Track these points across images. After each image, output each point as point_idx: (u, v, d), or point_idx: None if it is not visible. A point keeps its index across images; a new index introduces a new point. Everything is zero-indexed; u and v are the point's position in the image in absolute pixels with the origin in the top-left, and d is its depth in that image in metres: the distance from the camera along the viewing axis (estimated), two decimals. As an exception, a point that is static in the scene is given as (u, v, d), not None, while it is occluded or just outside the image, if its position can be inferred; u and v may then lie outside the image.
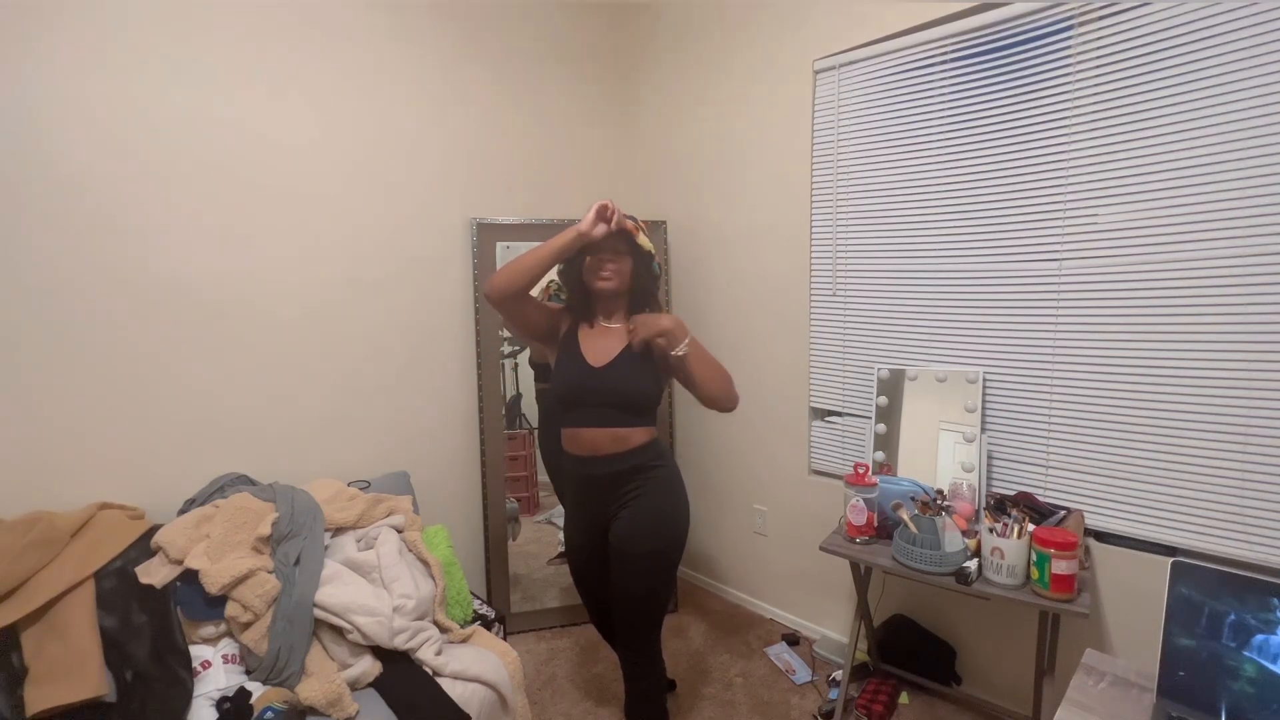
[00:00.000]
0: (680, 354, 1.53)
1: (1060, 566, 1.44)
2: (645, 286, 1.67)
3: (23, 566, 1.42)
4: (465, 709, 1.50)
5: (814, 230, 2.22)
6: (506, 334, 2.44)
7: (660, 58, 2.69)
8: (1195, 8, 1.44)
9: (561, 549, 2.49)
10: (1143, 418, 1.60)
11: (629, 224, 1.56)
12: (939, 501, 1.70)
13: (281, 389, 2.04)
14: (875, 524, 1.78)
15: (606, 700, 2.04)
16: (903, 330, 2.03)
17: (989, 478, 1.85)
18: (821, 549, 1.81)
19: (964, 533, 1.66)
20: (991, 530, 1.55)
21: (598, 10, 2.73)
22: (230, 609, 1.52)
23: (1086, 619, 1.50)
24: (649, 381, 1.58)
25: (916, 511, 1.67)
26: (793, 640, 2.34)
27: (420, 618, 1.64)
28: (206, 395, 1.90)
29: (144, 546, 1.60)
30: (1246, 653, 1.04)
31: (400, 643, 1.56)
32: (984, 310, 1.85)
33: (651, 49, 2.72)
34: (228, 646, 1.54)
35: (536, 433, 2.52)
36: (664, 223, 2.62)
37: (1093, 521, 1.68)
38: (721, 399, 1.57)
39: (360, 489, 1.94)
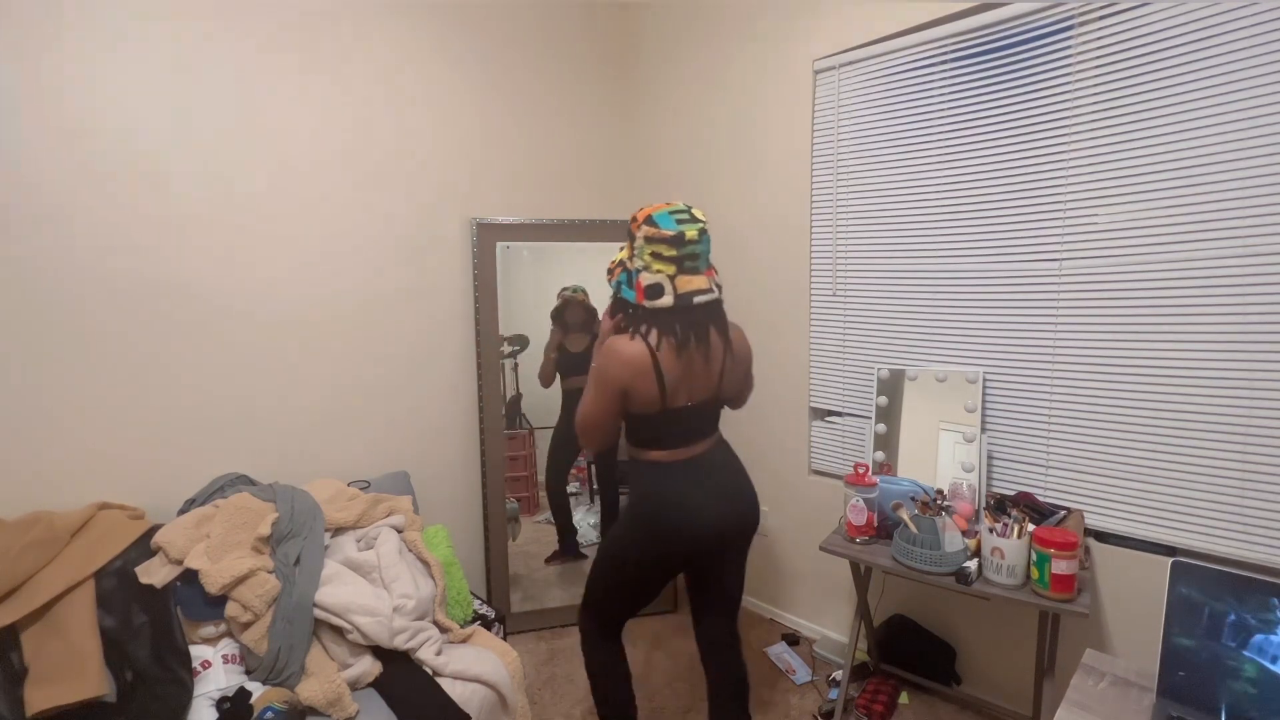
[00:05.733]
0: None
1: (1060, 566, 1.44)
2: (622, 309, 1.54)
3: (22, 566, 1.42)
4: (465, 709, 1.50)
5: (814, 230, 2.22)
6: (506, 334, 2.44)
7: (661, 57, 2.68)
8: (1195, 8, 1.44)
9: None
10: (1143, 418, 1.60)
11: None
12: (939, 501, 1.70)
13: (281, 389, 2.04)
14: (875, 524, 1.78)
15: (606, 700, 2.03)
16: (903, 330, 2.03)
17: (989, 478, 1.85)
18: (821, 549, 1.81)
19: (964, 533, 1.66)
20: (991, 530, 1.55)
21: (598, 10, 2.72)
22: (230, 609, 1.52)
23: (1086, 619, 1.50)
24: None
25: (916, 511, 1.67)
26: (793, 640, 2.34)
27: (420, 618, 1.64)
28: (207, 395, 1.89)
29: (144, 546, 1.60)
30: (1246, 653, 1.04)
31: (400, 643, 1.56)
32: (984, 310, 1.85)
33: (652, 49, 2.72)
34: (228, 646, 1.54)
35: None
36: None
37: (1093, 521, 1.68)
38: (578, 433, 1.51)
39: (360, 489, 1.94)
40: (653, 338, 1.39)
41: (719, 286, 1.48)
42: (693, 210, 1.44)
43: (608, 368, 1.40)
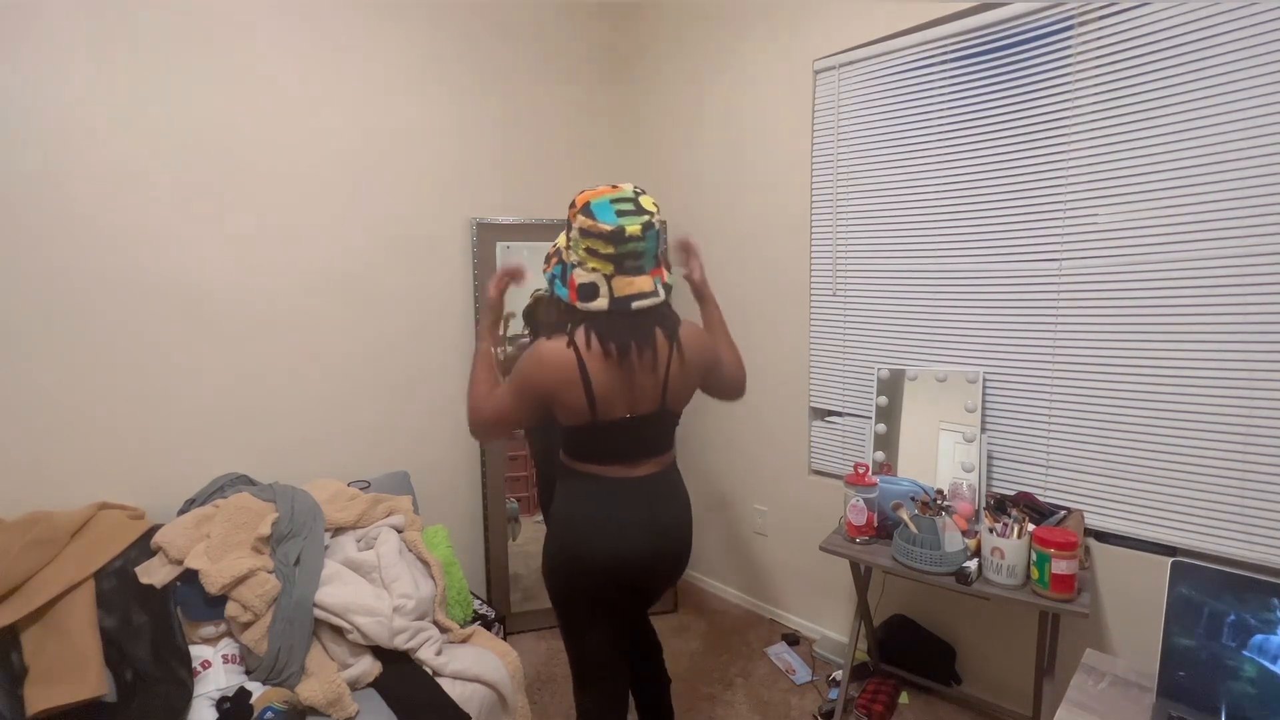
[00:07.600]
0: None
1: (1060, 566, 1.44)
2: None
3: (23, 566, 1.42)
4: (465, 709, 1.50)
5: (814, 230, 2.22)
6: (505, 335, 2.43)
7: (661, 58, 2.68)
8: (1195, 8, 1.44)
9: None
10: (1143, 418, 1.60)
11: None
12: (939, 501, 1.70)
13: (282, 389, 2.03)
14: (875, 524, 1.78)
15: (606, 700, 2.03)
16: (903, 330, 2.03)
17: (989, 478, 1.85)
18: (821, 549, 1.81)
19: (964, 533, 1.66)
20: (991, 530, 1.55)
21: (599, 10, 2.73)
22: (230, 609, 1.52)
23: (1086, 619, 1.50)
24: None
25: (916, 511, 1.67)
26: (793, 640, 2.34)
27: (420, 618, 1.64)
28: (207, 395, 1.89)
29: (144, 546, 1.60)
30: (1246, 653, 1.04)
31: (400, 643, 1.56)
32: (984, 310, 1.85)
33: (652, 49, 2.72)
34: (228, 646, 1.54)
35: None
36: (664, 222, 2.62)
37: (1093, 521, 1.68)
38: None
39: (360, 489, 1.94)
40: (581, 341, 1.22)
41: (668, 287, 1.29)
42: (640, 199, 1.23)
43: (530, 372, 1.24)
